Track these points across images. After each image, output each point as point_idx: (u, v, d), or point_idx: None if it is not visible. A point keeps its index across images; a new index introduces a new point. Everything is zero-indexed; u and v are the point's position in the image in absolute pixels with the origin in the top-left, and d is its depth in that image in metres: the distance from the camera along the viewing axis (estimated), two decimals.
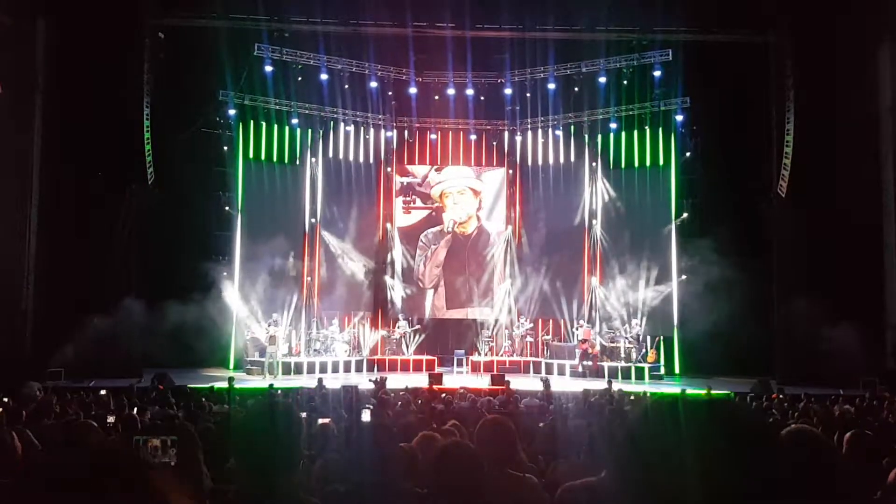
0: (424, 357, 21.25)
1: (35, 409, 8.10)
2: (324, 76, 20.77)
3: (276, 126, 21.62)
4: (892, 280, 17.84)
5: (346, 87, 21.33)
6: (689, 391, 14.19)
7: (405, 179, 23.23)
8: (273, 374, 18.31)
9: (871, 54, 18.31)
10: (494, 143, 23.32)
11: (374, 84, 21.48)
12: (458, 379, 18.31)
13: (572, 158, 22.70)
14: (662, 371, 19.45)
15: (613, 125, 21.73)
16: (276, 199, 21.14)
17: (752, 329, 17.57)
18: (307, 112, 21.69)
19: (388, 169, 23.17)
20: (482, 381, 17.54)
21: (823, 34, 17.43)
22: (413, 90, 21.73)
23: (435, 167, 23.27)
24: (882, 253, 18.10)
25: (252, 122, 21.14)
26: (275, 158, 21.75)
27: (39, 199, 17.71)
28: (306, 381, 16.34)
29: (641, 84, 20.66)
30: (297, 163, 22.08)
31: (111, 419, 8.37)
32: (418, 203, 23.31)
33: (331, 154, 22.51)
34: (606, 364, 19.45)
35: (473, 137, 22.93)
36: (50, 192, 17.73)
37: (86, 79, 17.16)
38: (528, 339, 21.25)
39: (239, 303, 19.96)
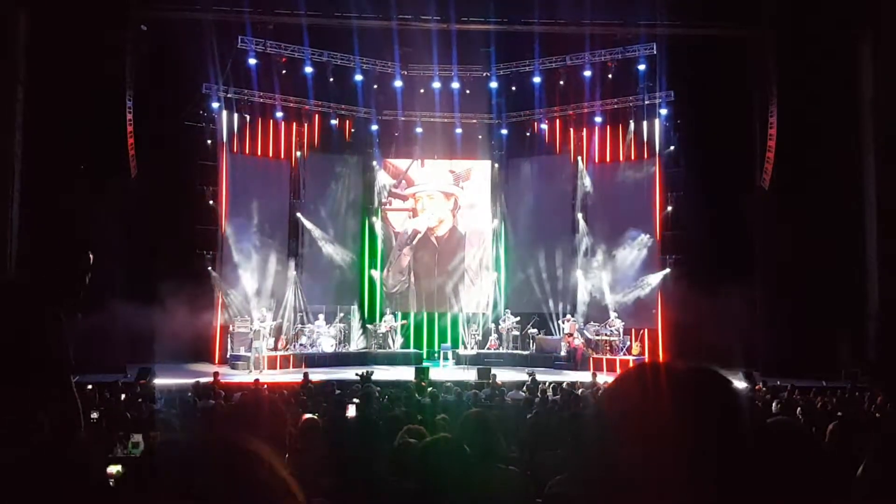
0: (411, 351, 21.29)
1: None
2: (308, 69, 20.67)
3: (260, 119, 21.51)
4: (873, 271, 18.00)
5: (331, 80, 21.25)
6: None
7: (384, 182, 23.15)
8: (259, 368, 18.27)
9: (852, 47, 18.43)
10: (480, 137, 23.33)
11: (358, 77, 21.38)
12: (444, 372, 18.36)
13: (557, 152, 22.75)
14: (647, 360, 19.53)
15: (598, 119, 21.80)
16: (260, 192, 21.02)
17: (736, 321, 17.67)
18: (291, 105, 21.59)
19: (373, 162, 23.11)
20: (469, 375, 17.58)
21: (805, 28, 17.54)
22: (398, 83, 21.68)
23: (416, 161, 23.21)
24: (864, 244, 18.27)
25: (236, 115, 21.01)
26: (259, 152, 21.64)
27: (21, 192, 17.52)
28: (292, 376, 16.34)
29: (626, 78, 20.73)
30: (282, 156, 21.99)
31: (95, 415, 8.34)
32: (395, 205, 23.30)
33: (315, 148, 22.43)
34: (592, 356, 19.56)
35: (459, 131, 22.91)
36: (31, 185, 17.54)
37: (68, 71, 16.98)
38: (514, 332, 21.29)
39: (223, 297, 19.87)
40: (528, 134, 22.99)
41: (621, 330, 19.93)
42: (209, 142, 20.50)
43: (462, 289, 22.86)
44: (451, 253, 23.06)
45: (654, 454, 0.92)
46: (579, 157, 22.35)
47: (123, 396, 11.03)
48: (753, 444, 0.98)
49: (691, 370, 1.02)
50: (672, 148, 20.85)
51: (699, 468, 0.91)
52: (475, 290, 22.86)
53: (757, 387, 14.22)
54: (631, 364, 17.67)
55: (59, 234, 16.48)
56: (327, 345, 20.55)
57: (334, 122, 22.34)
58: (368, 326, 21.89)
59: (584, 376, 16.51)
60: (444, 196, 23.22)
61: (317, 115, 22.23)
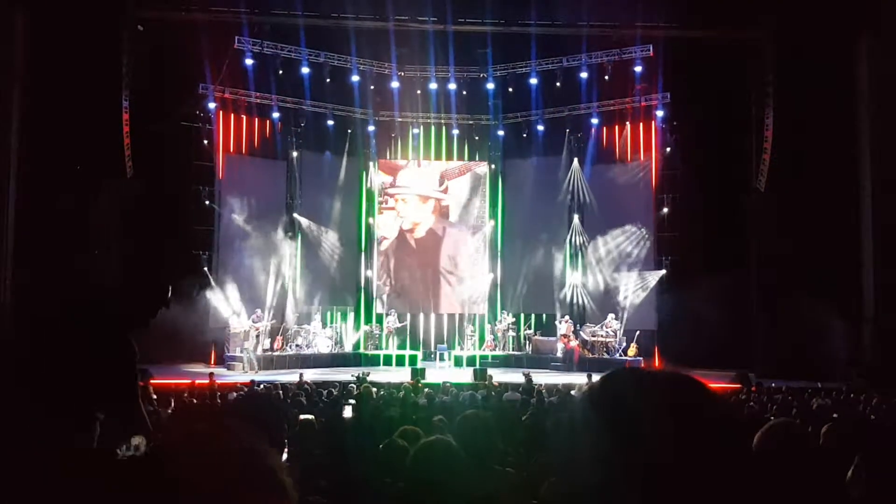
0: (407, 352, 21.27)
1: None
2: (305, 70, 20.66)
3: (256, 120, 21.49)
4: (869, 274, 18.04)
5: (328, 80, 21.23)
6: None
7: (381, 179, 23.18)
8: (254, 368, 18.25)
9: (850, 48, 18.46)
10: (477, 138, 23.36)
11: (355, 78, 21.38)
12: (440, 373, 18.35)
13: (553, 153, 22.75)
14: (642, 365, 19.55)
15: (594, 120, 21.82)
16: (256, 193, 20.97)
17: (732, 322, 17.70)
18: (288, 106, 21.57)
19: (370, 163, 23.11)
20: (465, 376, 17.58)
21: (802, 28, 17.57)
22: (395, 84, 21.67)
23: (413, 161, 23.23)
24: (860, 247, 18.31)
25: (232, 115, 20.99)
26: (256, 152, 21.61)
27: (17, 192, 17.49)
28: (288, 377, 16.31)
29: (622, 79, 20.75)
30: (278, 157, 21.97)
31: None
32: (390, 204, 23.34)
33: (312, 148, 22.41)
34: (588, 358, 19.55)
35: (456, 132, 22.94)
36: (28, 186, 17.51)
37: (65, 72, 16.96)
38: (511, 333, 21.29)
39: (219, 297, 19.83)
40: (524, 135, 22.99)
41: (618, 331, 19.94)
42: (205, 142, 20.47)
43: (457, 289, 22.87)
44: (432, 254, 23.08)
45: (638, 458, 0.93)
46: (576, 159, 22.37)
47: None
48: (737, 448, 0.99)
49: (667, 375, 1.02)
50: (668, 149, 20.87)
51: (681, 471, 0.92)
52: (471, 291, 22.86)
53: (752, 388, 14.23)
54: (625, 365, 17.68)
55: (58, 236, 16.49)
56: (323, 345, 20.55)
57: (331, 122, 22.32)
58: (364, 327, 21.88)
59: (580, 378, 16.48)
60: (419, 199, 23.24)
61: (313, 116, 22.20)
